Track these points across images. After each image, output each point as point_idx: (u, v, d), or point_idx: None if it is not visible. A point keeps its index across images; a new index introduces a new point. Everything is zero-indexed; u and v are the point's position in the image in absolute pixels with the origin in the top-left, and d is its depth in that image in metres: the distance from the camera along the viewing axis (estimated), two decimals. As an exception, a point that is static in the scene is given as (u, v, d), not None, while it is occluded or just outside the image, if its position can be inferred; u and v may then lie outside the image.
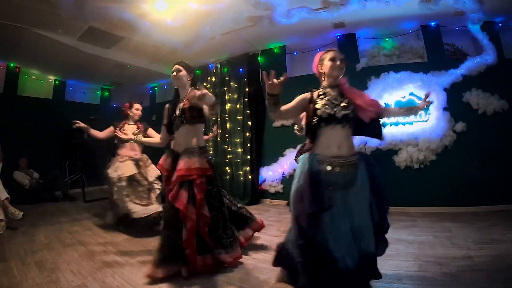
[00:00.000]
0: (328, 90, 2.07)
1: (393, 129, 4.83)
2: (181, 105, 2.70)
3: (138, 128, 4.18)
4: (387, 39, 5.36)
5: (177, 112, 2.70)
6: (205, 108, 2.66)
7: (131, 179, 4.00)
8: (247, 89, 6.08)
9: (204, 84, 6.67)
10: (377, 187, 1.93)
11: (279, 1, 4.19)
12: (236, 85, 6.26)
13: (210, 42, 5.25)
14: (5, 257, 3.07)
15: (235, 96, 6.25)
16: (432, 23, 4.93)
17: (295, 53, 5.98)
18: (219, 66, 6.60)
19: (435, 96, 4.62)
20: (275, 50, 5.96)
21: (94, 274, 2.62)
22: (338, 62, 2.04)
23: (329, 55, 2.08)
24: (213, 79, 6.63)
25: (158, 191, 4.16)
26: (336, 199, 1.83)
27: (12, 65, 6.67)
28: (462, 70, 4.63)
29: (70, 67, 6.74)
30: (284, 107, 1.98)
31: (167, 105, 2.88)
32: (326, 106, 1.95)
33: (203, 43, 5.31)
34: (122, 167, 3.99)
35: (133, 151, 4.20)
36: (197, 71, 6.87)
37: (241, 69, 6.20)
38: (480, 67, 4.56)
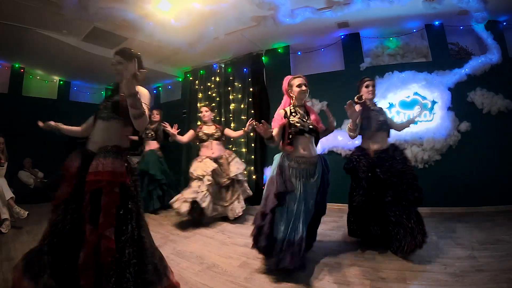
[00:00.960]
0: (297, 108, 2.85)
1: (398, 129, 4.82)
2: (116, 97, 2.10)
3: (216, 128, 4.61)
4: (391, 38, 5.35)
5: (109, 103, 2.12)
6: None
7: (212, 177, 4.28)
8: (251, 89, 6.09)
9: (208, 84, 6.69)
10: (325, 178, 2.76)
11: (283, 1, 4.19)
12: (240, 85, 6.27)
13: (214, 42, 5.24)
14: (10, 256, 3.11)
15: (239, 96, 6.27)
16: (436, 23, 4.92)
17: (299, 53, 5.98)
18: (223, 66, 6.61)
19: (439, 95, 4.60)
20: (279, 50, 5.95)
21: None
22: (303, 88, 2.81)
23: (297, 81, 2.84)
24: (217, 79, 6.64)
25: (245, 184, 4.74)
26: (298, 185, 2.61)
27: (16, 65, 6.72)
28: (466, 70, 4.61)
29: (74, 68, 6.77)
30: (275, 134, 2.70)
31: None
32: (298, 122, 2.74)
33: (207, 43, 5.30)
34: (201, 166, 4.31)
35: (210, 150, 4.50)
36: (201, 71, 6.91)
37: (245, 69, 6.21)
38: (484, 67, 4.54)
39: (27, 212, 4.20)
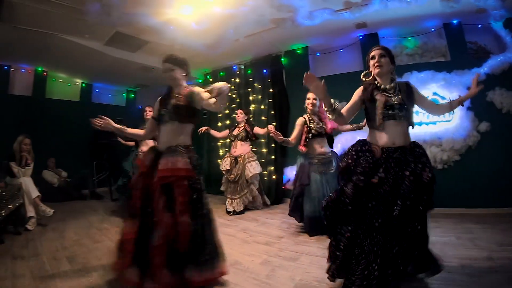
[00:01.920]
0: (313, 116, 3.78)
1: (416, 129, 4.73)
2: (173, 101, 2.39)
3: (243, 128, 5.17)
4: (409, 38, 5.32)
5: (168, 107, 2.39)
6: (207, 103, 2.30)
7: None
8: (271, 90, 6.14)
9: (228, 85, 6.79)
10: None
11: (302, 3, 4.25)
12: (260, 86, 6.34)
13: (234, 44, 5.34)
14: (36, 252, 3.22)
15: (259, 97, 6.33)
16: (455, 21, 4.86)
17: (318, 54, 6.01)
18: (243, 67, 6.70)
19: (458, 95, 4.56)
20: (298, 51, 5.98)
21: None
22: (311, 101, 3.76)
23: (307, 95, 3.78)
24: (237, 80, 6.73)
25: (252, 187, 5.07)
26: (317, 178, 3.64)
27: (40, 69, 6.97)
28: (485, 69, 4.53)
29: (96, 71, 6.97)
30: (293, 137, 3.74)
31: (158, 99, 2.57)
32: (316, 127, 3.71)
33: (227, 45, 5.41)
34: (222, 163, 5.23)
35: (234, 149, 5.23)
36: (221, 73, 7.03)
37: (264, 70, 6.26)
38: (503, 65, 4.46)
39: (53, 210, 4.35)
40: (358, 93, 2.29)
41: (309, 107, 3.77)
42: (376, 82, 2.20)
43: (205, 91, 2.29)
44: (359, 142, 2.22)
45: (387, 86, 2.16)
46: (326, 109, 2.14)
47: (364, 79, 2.28)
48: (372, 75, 2.23)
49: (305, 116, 3.82)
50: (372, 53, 2.22)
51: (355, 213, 2.03)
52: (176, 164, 2.22)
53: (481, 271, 2.42)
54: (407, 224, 1.94)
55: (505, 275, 2.32)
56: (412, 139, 5.05)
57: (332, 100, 2.08)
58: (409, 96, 2.17)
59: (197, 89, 2.38)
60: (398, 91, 2.16)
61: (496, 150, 4.42)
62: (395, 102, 2.10)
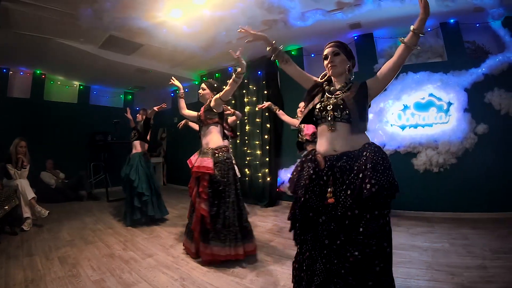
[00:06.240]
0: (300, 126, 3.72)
1: (412, 132, 4.73)
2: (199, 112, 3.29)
3: None
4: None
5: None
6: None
7: None
8: (265, 92, 6.10)
9: (224, 87, 6.77)
10: None
11: (293, 4, 4.19)
12: (254, 88, 6.31)
13: (227, 46, 5.28)
14: (31, 252, 3.31)
15: (254, 98, 6.30)
16: (452, 20, 4.74)
17: (312, 55, 5.95)
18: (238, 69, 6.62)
19: (455, 96, 4.48)
20: (293, 52, 5.96)
21: (112, 270, 2.81)
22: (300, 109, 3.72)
23: (301, 104, 3.63)
24: (230, 82, 6.69)
25: None
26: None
27: (38, 72, 7.01)
28: (483, 69, 4.43)
29: (93, 73, 7.00)
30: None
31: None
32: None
33: (220, 48, 5.40)
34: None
35: None
36: (217, 74, 7.02)
37: (259, 72, 6.23)
38: (502, 66, 4.34)
39: (48, 211, 4.37)
40: (313, 79, 1.98)
41: (299, 114, 3.70)
42: (324, 85, 1.89)
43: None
44: (310, 151, 1.92)
45: (337, 87, 1.82)
46: (268, 49, 2.01)
47: (321, 80, 1.95)
48: (327, 76, 1.92)
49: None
50: (325, 52, 1.87)
51: (307, 229, 1.76)
52: (202, 163, 2.99)
53: (472, 281, 2.36)
54: (347, 245, 1.55)
55: (497, 285, 2.25)
56: (408, 142, 4.88)
57: (280, 47, 2.00)
58: (360, 93, 1.74)
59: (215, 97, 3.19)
60: (346, 90, 1.78)
61: (494, 152, 4.30)
62: (330, 102, 1.75)
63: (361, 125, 1.71)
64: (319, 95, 1.86)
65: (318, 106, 1.79)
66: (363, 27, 4.99)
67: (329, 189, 1.66)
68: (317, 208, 1.70)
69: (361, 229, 1.52)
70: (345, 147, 1.70)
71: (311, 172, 1.74)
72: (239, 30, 2.11)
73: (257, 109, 4.18)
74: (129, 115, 5.15)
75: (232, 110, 4.35)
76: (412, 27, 1.62)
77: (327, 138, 1.75)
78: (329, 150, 1.73)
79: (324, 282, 1.60)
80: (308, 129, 3.58)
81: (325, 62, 1.86)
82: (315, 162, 1.78)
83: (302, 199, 1.72)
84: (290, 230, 1.84)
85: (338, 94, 1.78)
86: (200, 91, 3.36)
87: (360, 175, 1.56)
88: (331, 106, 1.73)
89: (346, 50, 1.85)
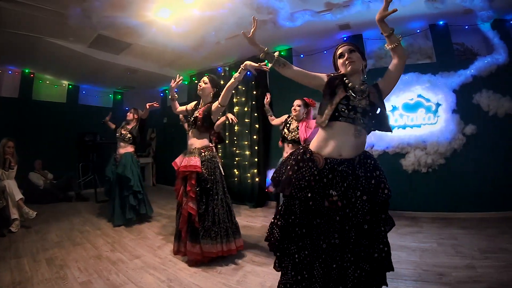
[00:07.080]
0: (293, 121, 3.61)
1: (401, 132, 4.75)
2: (196, 112, 3.17)
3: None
4: (394, 39, 5.22)
5: (192, 118, 3.18)
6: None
7: None
8: (254, 92, 6.09)
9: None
10: None
11: (282, 5, 4.18)
12: (244, 88, 6.28)
13: (216, 46, 5.30)
14: (18, 254, 3.26)
15: (243, 99, 6.29)
16: (441, 22, 4.77)
17: (302, 56, 5.95)
18: (227, 69, 6.65)
19: (443, 98, 4.51)
20: (282, 53, 5.90)
21: (100, 271, 2.78)
22: (298, 107, 3.51)
23: (294, 102, 3.56)
24: (222, 82, 6.65)
25: None
26: None
27: (26, 71, 6.91)
28: (472, 71, 4.48)
29: (82, 72, 6.92)
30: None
31: (193, 103, 3.47)
32: (287, 131, 3.61)
33: (209, 48, 5.38)
34: None
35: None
36: (206, 74, 6.97)
37: (248, 73, 6.13)
38: (490, 67, 4.39)
39: (35, 213, 4.31)
40: (324, 75, 1.88)
41: (293, 112, 3.61)
42: (345, 79, 1.79)
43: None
44: (298, 150, 1.84)
45: (356, 86, 1.75)
46: (261, 55, 1.95)
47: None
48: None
49: (289, 117, 3.68)
50: (340, 51, 1.84)
51: (304, 234, 1.70)
52: (189, 162, 2.99)
53: (460, 281, 2.36)
54: (369, 248, 1.64)
55: (485, 285, 2.26)
56: (396, 143, 4.85)
57: (276, 54, 1.94)
58: (379, 97, 1.75)
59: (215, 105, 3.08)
60: (367, 94, 1.73)
61: (482, 153, 4.35)
62: (359, 105, 1.70)
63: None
64: (341, 89, 1.76)
65: (344, 102, 1.70)
66: (353, 28, 4.99)
67: (333, 193, 1.64)
68: (317, 210, 1.67)
69: (376, 231, 1.66)
70: (352, 154, 1.71)
71: (315, 173, 1.67)
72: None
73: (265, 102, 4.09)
74: (108, 122, 5.31)
75: (232, 117, 4.15)
76: (383, 34, 1.76)
77: (335, 141, 1.72)
78: (334, 154, 1.71)
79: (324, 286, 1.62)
80: (306, 133, 3.37)
81: (341, 60, 1.82)
82: (314, 162, 1.72)
83: (307, 200, 1.65)
84: (277, 242, 1.75)
85: (356, 96, 1.73)
86: (202, 84, 3.32)
87: (373, 181, 1.65)
88: (362, 110, 1.70)
89: (359, 50, 1.85)
